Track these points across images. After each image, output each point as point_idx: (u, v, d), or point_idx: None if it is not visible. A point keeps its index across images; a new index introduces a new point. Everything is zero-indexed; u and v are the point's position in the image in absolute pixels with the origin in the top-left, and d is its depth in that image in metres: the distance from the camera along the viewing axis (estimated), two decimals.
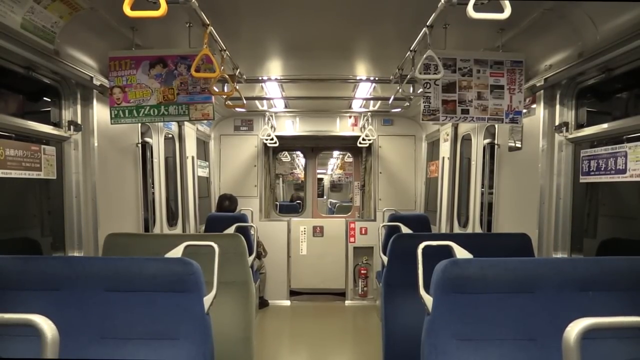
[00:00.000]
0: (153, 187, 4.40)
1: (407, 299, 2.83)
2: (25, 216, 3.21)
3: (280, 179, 12.27)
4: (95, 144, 3.27)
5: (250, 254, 3.37)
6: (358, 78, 4.76)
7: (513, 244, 3.02)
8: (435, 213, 5.83)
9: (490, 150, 4.28)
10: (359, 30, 3.48)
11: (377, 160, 7.10)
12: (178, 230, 5.11)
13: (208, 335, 2.03)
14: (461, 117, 3.32)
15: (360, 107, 6.38)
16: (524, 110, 3.39)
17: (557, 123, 3.30)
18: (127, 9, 2.08)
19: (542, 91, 3.34)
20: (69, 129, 3.19)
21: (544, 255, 3.34)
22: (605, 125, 2.95)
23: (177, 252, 2.20)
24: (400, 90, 3.79)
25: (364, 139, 6.60)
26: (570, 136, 3.26)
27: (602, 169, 2.88)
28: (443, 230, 5.51)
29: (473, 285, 1.90)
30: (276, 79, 4.74)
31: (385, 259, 3.28)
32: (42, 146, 2.93)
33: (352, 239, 7.00)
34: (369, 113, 6.48)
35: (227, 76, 3.25)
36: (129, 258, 2.13)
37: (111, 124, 3.22)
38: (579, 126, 3.26)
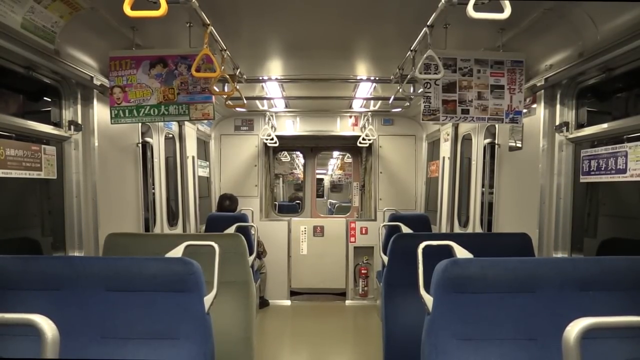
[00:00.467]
0: (153, 187, 4.40)
1: (407, 298, 2.83)
2: (26, 216, 3.21)
3: (280, 179, 12.29)
4: (96, 144, 3.27)
5: (250, 254, 3.37)
6: (358, 78, 4.76)
7: (513, 244, 3.02)
8: (436, 213, 5.83)
9: (490, 150, 4.28)
10: (359, 30, 3.48)
11: (378, 160, 7.10)
12: (178, 230, 5.11)
13: (208, 335, 2.03)
14: (461, 117, 3.32)
15: (361, 107, 6.38)
16: (524, 110, 3.39)
17: (557, 123, 3.30)
18: (127, 9, 2.08)
19: (542, 91, 3.34)
20: (69, 129, 3.19)
21: (544, 255, 3.34)
22: (605, 125, 2.94)
23: (177, 252, 2.20)
24: (400, 90, 3.79)
25: (364, 139, 6.60)
26: (571, 136, 3.26)
27: (603, 168, 2.88)
28: (443, 230, 5.51)
29: (473, 285, 1.90)
30: (276, 79, 4.74)
31: (385, 258, 3.28)
32: (43, 146, 2.93)
33: (352, 239, 7.00)
34: (369, 113, 6.48)
35: (227, 76, 3.25)
36: (129, 258, 2.13)
37: (111, 123, 3.22)
38: (580, 126, 3.25)
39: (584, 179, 3.12)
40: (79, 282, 2.00)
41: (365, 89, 5.36)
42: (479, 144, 4.63)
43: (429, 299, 1.93)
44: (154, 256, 2.16)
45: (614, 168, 2.77)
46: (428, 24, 2.73)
